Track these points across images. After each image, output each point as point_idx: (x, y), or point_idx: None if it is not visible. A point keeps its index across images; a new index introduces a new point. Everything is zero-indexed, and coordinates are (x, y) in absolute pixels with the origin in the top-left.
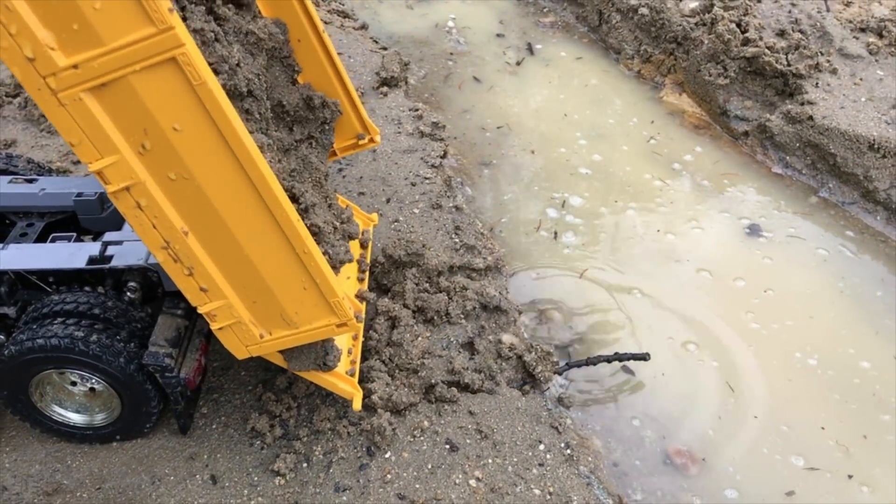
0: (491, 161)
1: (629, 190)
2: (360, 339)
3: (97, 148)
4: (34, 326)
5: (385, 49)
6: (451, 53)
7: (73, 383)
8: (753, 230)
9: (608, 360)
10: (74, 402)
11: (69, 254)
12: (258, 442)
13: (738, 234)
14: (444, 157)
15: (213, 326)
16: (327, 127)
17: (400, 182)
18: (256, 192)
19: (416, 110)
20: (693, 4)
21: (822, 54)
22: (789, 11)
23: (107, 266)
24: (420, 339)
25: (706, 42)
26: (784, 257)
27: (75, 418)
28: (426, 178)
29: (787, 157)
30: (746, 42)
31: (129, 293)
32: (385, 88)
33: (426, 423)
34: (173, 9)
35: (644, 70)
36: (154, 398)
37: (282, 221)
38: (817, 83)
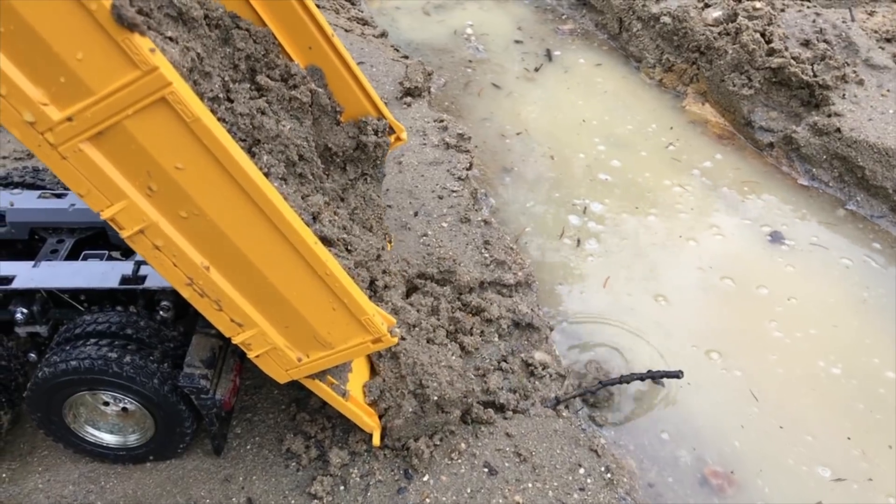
0: (512, 168)
1: (649, 196)
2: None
3: (105, 195)
4: (67, 347)
5: (406, 58)
6: (470, 61)
7: (106, 403)
8: (775, 238)
9: (641, 378)
10: (108, 422)
11: (102, 273)
12: (294, 463)
13: (761, 241)
14: (469, 168)
15: (250, 355)
16: (379, 162)
17: (427, 195)
18: (269, 221)
19: (442, 121)
20: (716, 14)
21: (848, 65)
22: (813, 21)
23: (140, 287)
24: (454, 357)
25: (730, 52)
26: (807, 266)
27: (109, 439)
28: (453, 191)
29: (814, 170)
30: (772, 52)
31: (161, 312)
32: (409, 98)
33: (463, 446)
34: (155, 49)
35: (666, 79)
36: (188, 419)
37: (299, 247)
38: (844, 94)
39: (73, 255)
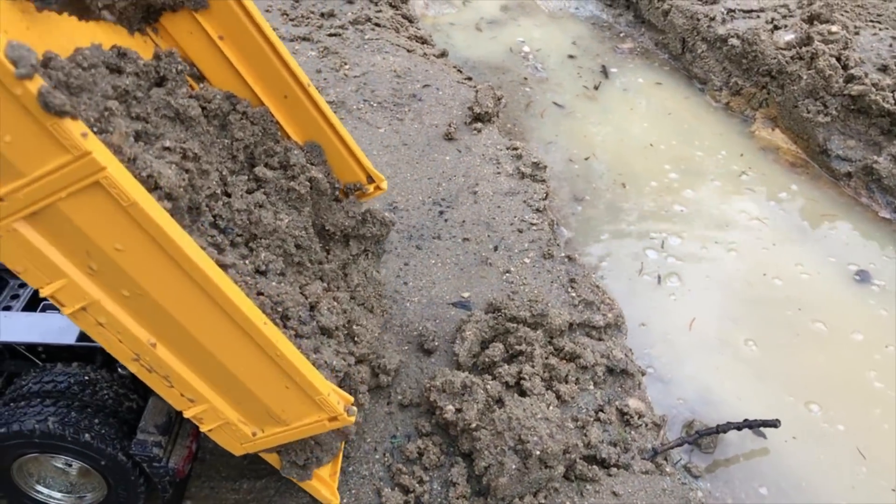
0: (583, 197)
1: (727, 230)
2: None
3: (44, 274)
4: (20, 405)
5: (469, 79)
6: (526, 78)
7: (68, 464)
8: (863, 277)
9: (738, 427)
10: (59, 481)
11: (59, 328)
12: None
13: (847, 280)
14: (546, 198)
15: (203, 429)
16: (382, 240)
17: (505, 228)
18: (214, 302)
19: (515, 149)
20: (788, 37)
21: None
22: (890, 45)
23: (98, 344)
24: (551, 407)
25: (804, 77)
26: None
27: (59, 498)
28: (532, 224)
29: None
30: (850, 79)
31: (120, 369)
32: (478, 124)
33: None
34: (87, 133)
35: (733, 102)
36: (141, 484)
37: (248, 328)
38: None
39: (33, 303)
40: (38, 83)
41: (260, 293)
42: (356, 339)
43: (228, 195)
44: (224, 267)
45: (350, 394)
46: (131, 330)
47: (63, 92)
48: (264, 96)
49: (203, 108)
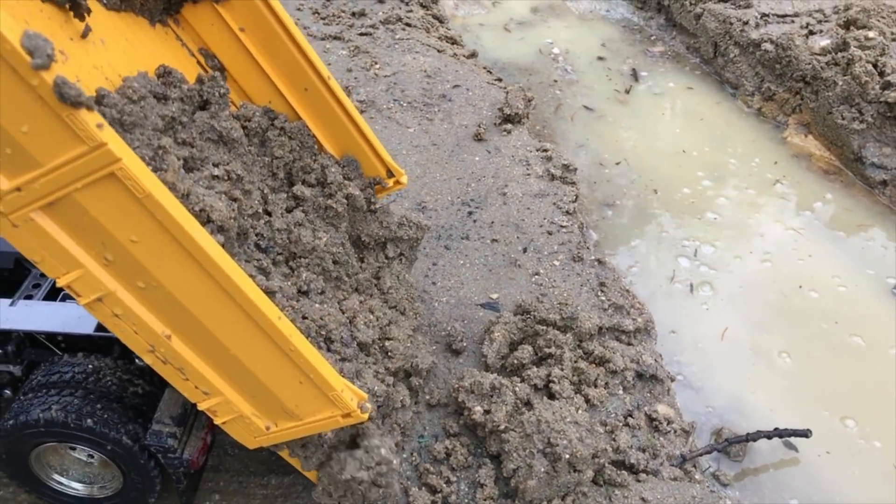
0: (614, 202)
1: (762, 239)
2: None
3: (60, 263)
4: (23, 399)
5: (500, 80)
6: (556, 80)
7: (73, 448)
8: None
9: (768, 436)
10: (76, 471)
11: (78, 317)
12: None
13: (886, 294)
14: (575, 201)
15: (217, 421)
16: (417, 244)
17: (535, 229)
18: (229, 295)
19: (545, 150)
20: (824, 42)
21: None
22: None
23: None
24: (580, 411)
25: (840, 83)
26: None
27: (77, 488)
28: (562, 227)
29: None
30: (887, 86)
31: (138, 360)
32: (508, 125)
33: None
34: (102, 124)
35: (765, 108)
36: (156, 475)
37: (262, 323)
38: None
39: (53, 294)
40: (54, 73)
41: (304, 317)
42: (390, 353)
43: (269, 213)
44: (271, 293)
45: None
46: (146, 321)
47: (116, 129)
48: (285, 89)
49: (244, 128)
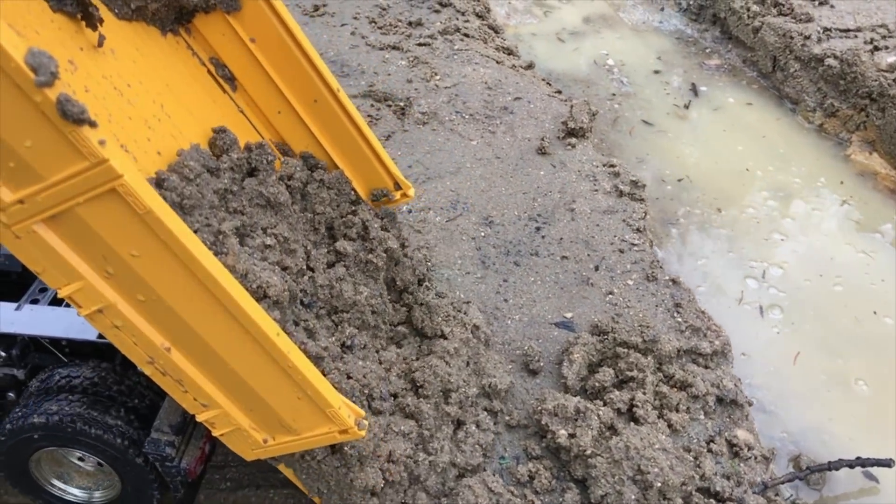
0: (678, 219)
1: (832, 262)
2: None
3: (62, 275)
4: (31, 403)
5: (559, 92)
6: (614, 94)
7: (81, 459)
8: None
9: (850, 465)
10: (76, 477)
11: (82, 323)
12: None
13: None
14: (644, 218)
15: (215, 433)
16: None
17: (605, 247)
18: (227, 311)
19: (613, 166)
20: (891, 59)
21: None
22: None
23: None
24: (664, 437)
25: None
26: None
27: (75, 493)
28: (633, 245)
29: None
30: None
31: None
32: (572, 139)
33: None
34: (104, 140)
35: (827, 124)
36: (154, 482)
37: (260, 339)
38: None
39: (59, 299)
40: (57, 90)
41: (349, 376)
42: (420, 387)
43: (311, 269)
44: (318, 359)
45: None
46: (146, 334)
47: (177, 212)
48: (294, 100)
49: (287, 187)
